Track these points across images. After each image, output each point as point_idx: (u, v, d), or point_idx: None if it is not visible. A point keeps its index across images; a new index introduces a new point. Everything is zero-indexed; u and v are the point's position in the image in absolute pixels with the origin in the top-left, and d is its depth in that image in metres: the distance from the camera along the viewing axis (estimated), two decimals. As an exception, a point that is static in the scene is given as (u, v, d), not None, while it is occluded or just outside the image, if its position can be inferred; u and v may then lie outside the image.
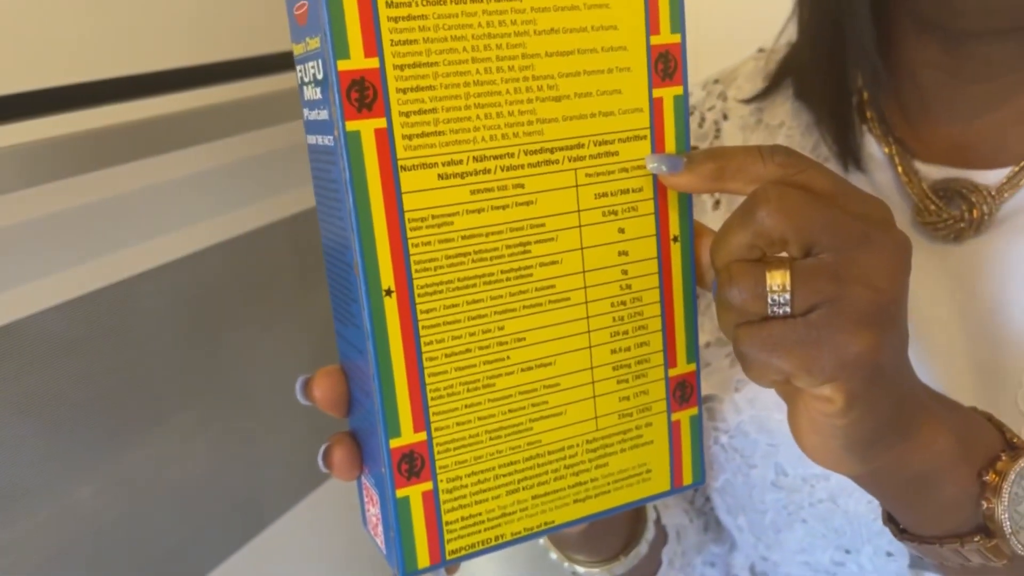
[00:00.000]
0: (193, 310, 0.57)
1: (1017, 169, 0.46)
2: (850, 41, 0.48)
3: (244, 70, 0.56)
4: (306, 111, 0.31)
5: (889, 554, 0.46)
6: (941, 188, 0.47)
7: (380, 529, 0.32)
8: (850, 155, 0.49)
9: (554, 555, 0.48)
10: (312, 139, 0.31)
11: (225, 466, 0.61)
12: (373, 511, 0.33)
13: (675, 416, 0.35)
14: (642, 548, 0.48)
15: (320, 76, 0.28)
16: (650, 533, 0.49)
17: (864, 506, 0.46)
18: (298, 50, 0.30)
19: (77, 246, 0.49)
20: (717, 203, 0.53)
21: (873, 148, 0.49)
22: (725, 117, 0.55)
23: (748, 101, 0.54)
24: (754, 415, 0.49)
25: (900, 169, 0.49)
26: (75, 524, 0.51)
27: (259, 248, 0.61)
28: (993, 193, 0.46)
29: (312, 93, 0.30)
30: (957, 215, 0.46)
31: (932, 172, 0.48)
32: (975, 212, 0.46)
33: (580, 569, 0.47)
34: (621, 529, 0.48)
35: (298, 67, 0.31)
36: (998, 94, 0.47)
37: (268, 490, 0.64)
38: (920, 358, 0.46)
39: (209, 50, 0.55)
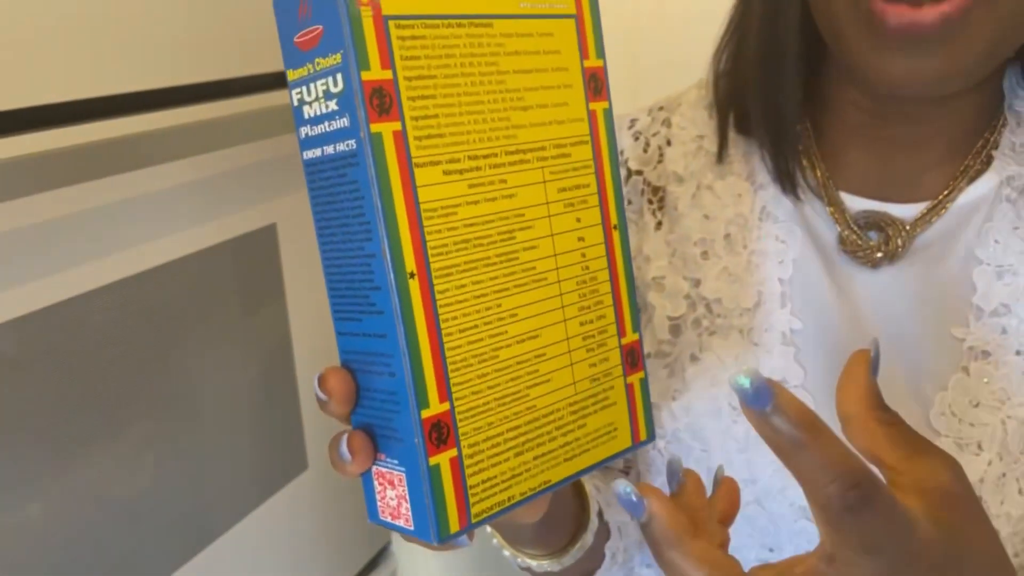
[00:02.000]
0: (142, 328, 0.55)
1: (930, 206, 0.52)
2: (783, 81, 0.51)
3: (196, 94, 0.57)
4: (306, 129, 0.34)
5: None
6: (863, 219, 0.52)
7: (404, 507, 0.35)
8: (788, 183, 0.53)
9: (507, 552, 0.51)
10: (313, 153, 0.34)
11: (174, 481, 0.58)
12: (392, 494, 0.35)
13: (629, 379, 0.41)
14: (588, 539, 0.51)
15: (338, 88, 0.32)
16: (594, 524, 0.51)
17: (786, 508, 0.51)
18: (299, 73, 0.34)
19: (25, 264, 0.47)
20: (659, 224, 0.58)
21: (804, 178, 0.54)
22: (669, 143, 0.59)
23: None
24: (689, 423, 0.53)
25: (827, 199, 0.53)
26: (23, 541, 0.47)
27: (207, 268, 0.60)
28: (908, 227, 0.51)
29: (320, 108, 0.33)
30: (875, 245, 0.51)
31: (855, 203, 0.53)
32: (891, 243, 0.51)
33: (532, 562, 0.50)
34: (568, 521, 0.51)
35: (296, 89, 0.34)
36: (914, 141, 0.52)
37: (213, 506, 0.62)
38: (834, 379, 0.49)
39: (161, 74, 0.54)
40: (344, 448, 0.34)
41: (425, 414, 0.33)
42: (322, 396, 0.35)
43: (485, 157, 0.35)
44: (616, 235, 0.40)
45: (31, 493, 0.48)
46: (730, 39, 0.56)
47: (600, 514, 0.54)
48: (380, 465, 0.35)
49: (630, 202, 0.60)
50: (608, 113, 0.40)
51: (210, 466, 0.61)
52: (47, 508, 0.49)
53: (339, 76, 0.32)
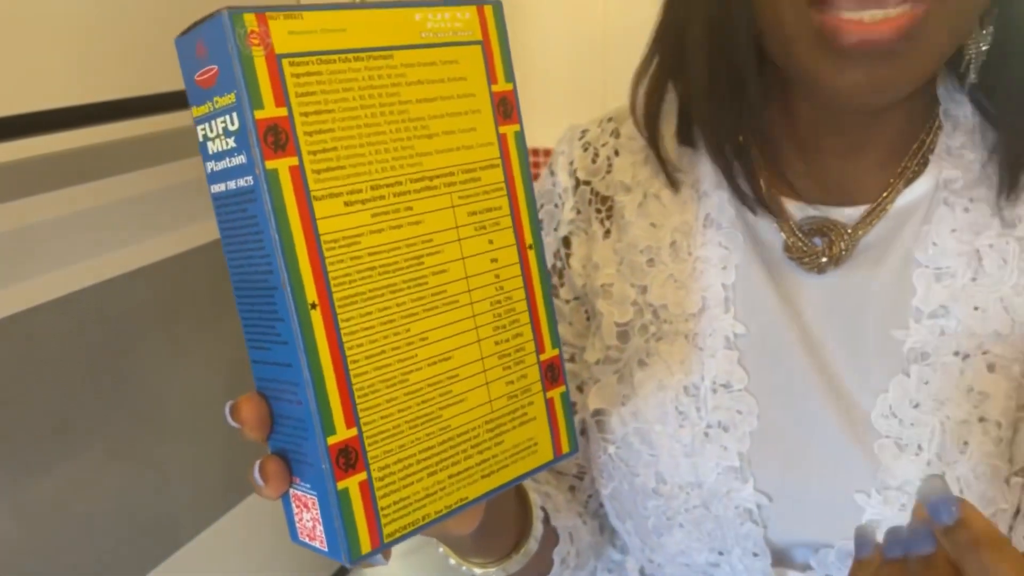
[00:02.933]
0: (101, 339, 0.57)
1: (870, 209, 0.53)
2: (742, 103, 0.51)
3: (154, 105, 0.57)
4: (211, 164, 0.35)
5: (755, 555, 0.52)
6: (807, 225, 0.53)
7: (318, 530, 0.36)
8: (741, 191, 0.54)
9: (452, 560, 0.52)
10: (219, 187, 0.35)
11: (140, 488, 0.60)
12: (307, 516, 0.36)
13: (549, 394, 0.42)
14: (532, 546, 0.52)
15: (234, 127, 0.33)
16: (538, 531, 0.52)
17: (732, 511, 0.52)
18: (202, 111, 0.35)
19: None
20: (607, 232, 0.59)
21: (747, 188, 0.54)
22: (617, 153, 0.60)
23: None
24: (637, 427, 0.54)
25: (772, 209, 0.54)
26: None
27: (168, 277, 0.61)
28: (850, 231, 0.52)
29: (221, 145, 0.34)
30: (820, 250, 0.52)
31: (799, 209, 0.54)
32: (834, 248, 0.52)
33: (477, 571, 0.52)
34: (510, 529, 0.52)
35: (200, 126, 0.35)
36: (850, 148, 0.53)
37: (180, 513, 0.64)
38: (782, 380, 0.52)
39: (119, 85, 0.56)
40: (256, 474, 0.35)
41: (331, 440, 0.34)
42: (233, 424, 0.36)
43: (389, 186, 0.36)
44: (531, 255, 0.41)
45: None
46: (656, 57, 0.56)
47: (546, 520, 0.55)
48: (296, 488, 0.36)
49: (579, 212, 0.61)
50: (519, 136, 0.41)
51: (176, 473, 0.62)
52: (11, 516, 0.50)
53: (235, 115, 0.33)
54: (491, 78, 0.40)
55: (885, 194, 0.53)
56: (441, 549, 0.52)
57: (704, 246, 0.55)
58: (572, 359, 0.61)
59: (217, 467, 0.66)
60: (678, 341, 0.55)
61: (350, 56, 0.35)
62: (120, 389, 0.58)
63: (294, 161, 0.33)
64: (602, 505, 0.61)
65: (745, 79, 0.51)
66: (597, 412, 0.56)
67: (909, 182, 0.53)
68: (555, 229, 0.62)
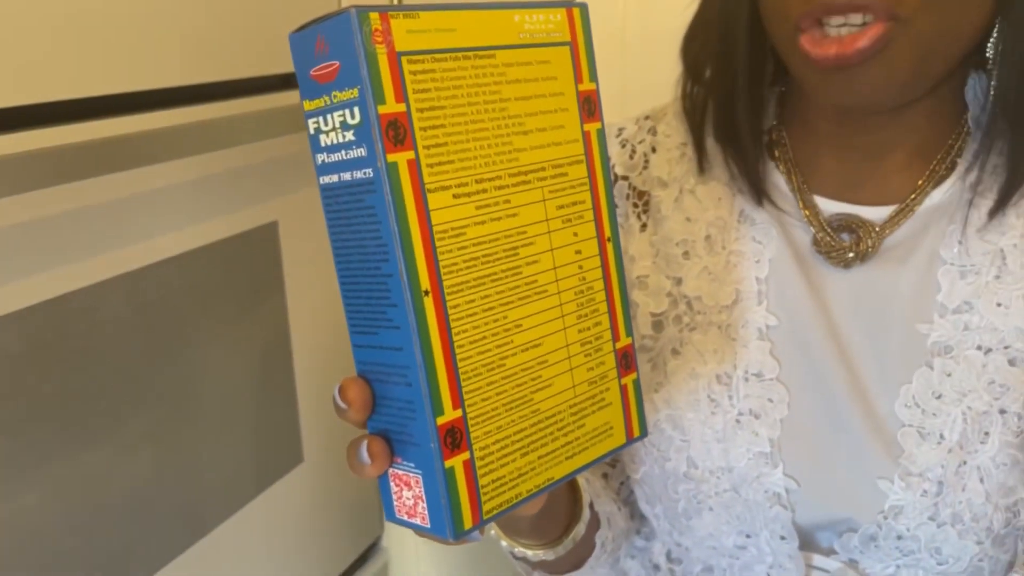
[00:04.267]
0: (143, 322, 0.57)
1: (898, 209, 0.55)
2: (736, 96, 0.55)
3: (202, 94, 0.58)
4: (322, 156, 0.37)
5: (783, 538, 0.55)
6: (835, 221, 0.55)
7: (420, 507, 0.38)
8: (759, 190, 0.57)
9: (504, 543, 0.54)
10: (330, 178, 0.37)
11: (171, 473, 0.60)
12: (408, 494, 0.38)
13: (623, 380, 0.44)
14: (580, 529, 0.54)
15: (355, 120, 0.35)
16: (586, 514, 0.54)
17: (761, 495, 0.54)
18: (315, 104, 0.36)
19: (28, 258, 0.49)
20: (644, 226, 0.61)
21: (780, 181, 0.57)
22: (654, 150, 0.62)
23: None
24: (669, 414, 0.56)
25: (801, 203, 0.56)
26: (19, 532, 0.49)
27: (209, 264, 0.62)
28: (877, 229, 0.54)
29: (336, 138, 0.36)
30: (847, 246, 0.54)
31: (828, 206, 0.56)
32: (862, 244, 0.54)
33: (528, 552, 0.54)
34: (563, 513, 0.54)
35: (313, 119, 0.37)
36: (878, 148, 0.55)
37: (209, 499, 0.64)
38: (810, 370, 0.54)
39: (168, 73, 0.56)
40: (364, 453, 0.37)
41: (440, 421, 0.36)
42: (342, 405, 0.37)
43: (490, 180, 0.38)
44: (610, 247, 0.43)
45: (29, 483, 0.50)
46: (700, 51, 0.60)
47: (591, 505, 0.57)
48: (397, 468, 0.38)
49: (616, 206, 0.63)
50: (601, 133, 0.43)
51: (207, 459, 0.63)
52: (45, 498, 0.51)
53: (356, 109, 0.34)
54: (578, 77, 0.41)
55: (913, 196, 0.55)
56: (493, 531, 0.54)
57: (738, 240, 0.57)
58: None
59: (245, 455, 0.67)
60: (711, 331, 0.57)
61: (459, 55, 0.37)
62: (158, 373, 0.59)
63: (411, 155, 0.35)
64: (631, 492, 0.63)
65: (741, 78, 0.55)
66: None
67: (937, 184, 0.56)
68: None
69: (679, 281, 0.59)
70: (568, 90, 0.41)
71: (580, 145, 0.42)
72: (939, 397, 0.52)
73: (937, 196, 0.55)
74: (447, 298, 0.36)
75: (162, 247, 0.57)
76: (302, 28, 0.36)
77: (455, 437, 0.37)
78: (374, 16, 0.34)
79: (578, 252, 0.42)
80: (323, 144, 0.36)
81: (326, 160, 0.37)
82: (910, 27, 0.47)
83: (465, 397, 0.37)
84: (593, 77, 0.42)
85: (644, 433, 0.45)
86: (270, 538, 0.72)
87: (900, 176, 0.56)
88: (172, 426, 0.59)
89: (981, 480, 0.51)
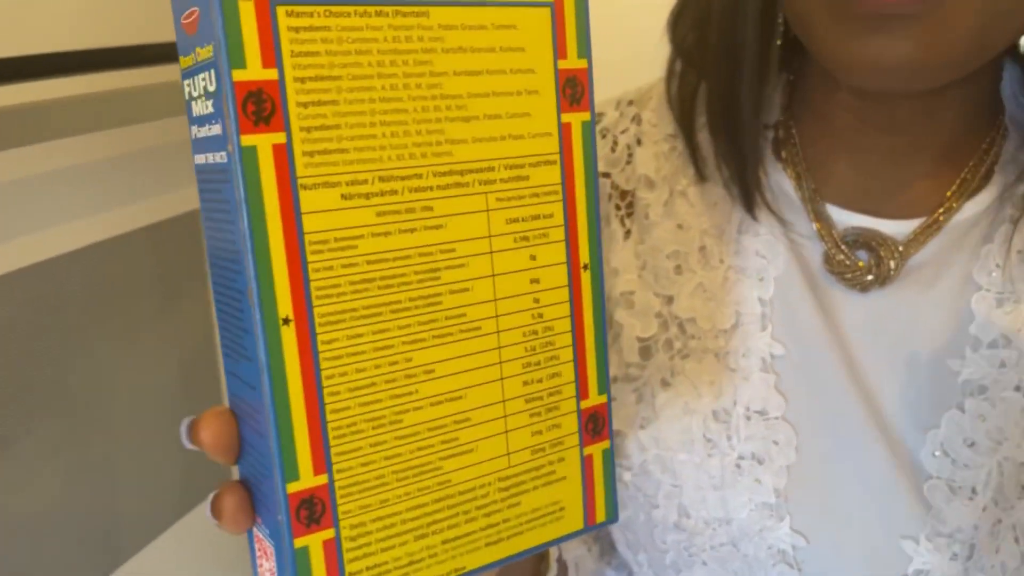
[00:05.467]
0: (44, 322, 0.51)
1: (925, 224, 0.47)
2: (740, 80, 0.47)
3: (111, 59, 0.51)
4: (194, 128, 0.29)
5: None
6: (851, 236, 0.47)
7: None
8: (753, 198, 0.48)
9: None
10: (200, 158, 0.29)
11: (82, 491, 0.54)
12: (267, 566, 0.30)
13: (587, 450, 0.34)
14: None
15: (212, 87, 0.26)
16: (552, 572, 0.47)
17: (763, 552, 0.46)
18: (186, 63, 0.28)
19: None
20: (628, 233, 0.52)
21: (787, 186, 0.49)
22: (639, 142, 0.54)
23: None
24: (658, 454, 0.48)
25: (812, 213, 0.48)
26: None
27: (122, 256, 0.56)
28: (901, 248, 0.46)
29: (202, 108, 0.28)
30: (865, 267, 0.46)
31: (843, 217, 0.48)
32: (883, 266, 0.46)
33: None
34: (524, 571, 0.46)
35: (185, 82, 0.28)
36: (905, 148, 0.47)
37: (128, 520, 0.59)
38: (822, 409, 0.47)
39: (78, 36, 0.50)
40: (208, 510, 0.29)
41: (293, 488, 0.28)
42: (188, 446, 0.30)
43: (404, 179, 0.29)
44: (586, 277, 0.33)
45: None
46: (691, 24, 0.50)
47: (559, 558, 0.49)
48: (258, 530, 0.30)
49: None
50: (589, 126, 0.32)
51: (124, 474, 0.57)
52: None
53: (212, 73, 0.26)
54: (559, 51, 0.31)
55: (942, 208, 0.46)
56: None
57: (738, 254, 0.49)
58: None
59: (170, 467, 0.61)
60: (707, 359, 0.48)
61: (371, 9, 0.27)
62: (66, 377, 0.53)
63: (280, 138, 0.26)
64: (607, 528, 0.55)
65: (749, 56, 0.46)
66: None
67: (970, 195, 0.46)
68: None
69: (670, 300, 0.50)
70: (542, 67, 0.31)
71: (554, 140, 0.32)
72: (971, 445, 0.44)
73: (970, 209, 0.46)
74: (317, 330, 0.28)
75: (67, 237, 0.51)
76: None
77: (313, 510, 0.28)
78: None
79: (535, 281, 0.32)
80: (194, 114, 0.28)
81: (197, 135, 0.29)
82: None
83: (334, 460, 0.28)
84: (584, 52, 0.32)
85: (613, 517, 0.35)
86: (198, 566, 0.65)
87: (926, 184, 0.47)
88: (82, 437, 0.54)
89: (1016, 540, 0.43)
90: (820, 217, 0.48)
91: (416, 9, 0.28)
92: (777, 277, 0.48)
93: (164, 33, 0.54)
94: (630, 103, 0.55)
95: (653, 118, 0.53)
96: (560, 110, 0.32)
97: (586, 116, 0.32)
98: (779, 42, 0.47)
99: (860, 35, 0.39)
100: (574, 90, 0.32)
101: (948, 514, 0.44)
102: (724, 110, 0.48)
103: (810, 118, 0.50)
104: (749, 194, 0.48)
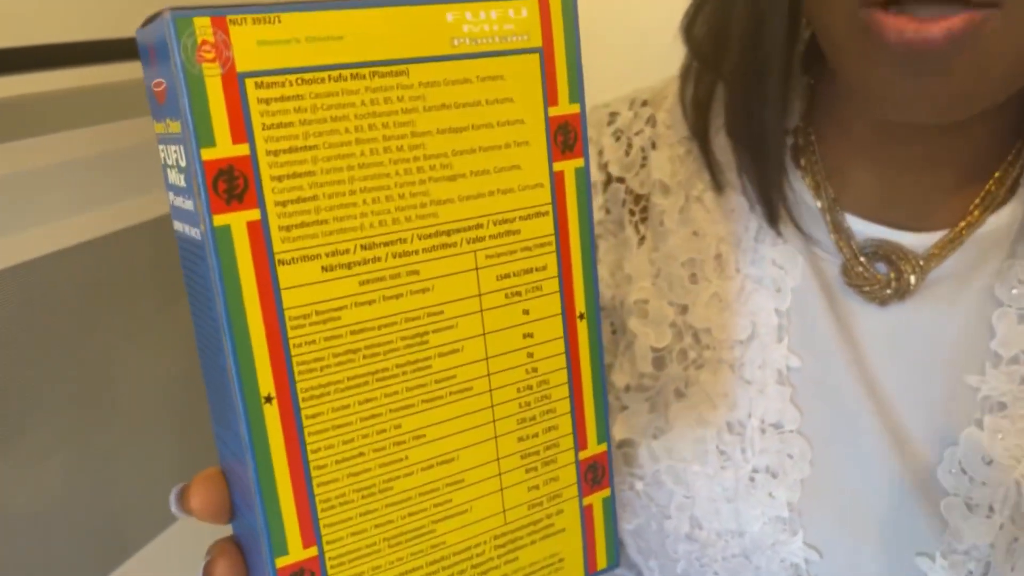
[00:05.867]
0: (49, 316, 0.51)
1: (948, 236, 0.45)
2: (772, 84, 0.45)
3: (114, 51, 0.50)
4: (171, 195, 0.28)
5: None
6: (870, 247, 0.46)
7: None
8: (776, 209, 0.47)
9: None
10: (178, 226, 0.28)
11: (84, 488, 0.54)
12: None
13: (587, 500, 0.33)
14: None
15: (184, 163, 0.25)
16: None
17: (776, 565, 0.46)
18: (159, 128, 0.27)
19: None
20: (643, 239, 0.51)
21: (806, 195, 0.47)
22: (654, 145, 0.52)
23: None
24: (671, 465, 0.48)
25: (831, 225, 0.47)
26: None
27: (125, 250, 0.55)
28: (922, 262, 0.45)
29: (176, 178, 0.27)
30: (884, 280, 0.45)
31: (862, 228, 0.46)
32: (903, 280, 0.45)
33: None
34: None
35: (160, 147, 0.28)
36: (928, 159, 0.45)
37: (132, 516, 0.59)
38: (838, 423, 0.46)
39: (72, 27, 0.49)
40: (203, 570, 0.29)
41: (282, 562, 0.27)
42: (178, 513, 0.30)
43: (388, 244, 0.28)
44: (582, 327, 0.32)
45: None
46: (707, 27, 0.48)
47: None
48: None
49: (608, 212, 0.52)
50: (583, 172, 0.31)
51: (127, 470, 0.57)
52: None
53: (182, 149, 0.25)
54: (549, 98, 0.30)
55: (964, 221, 0.45)
56: None
57: (755, 263, 0.48)
58: None
59: (172, 463, 0.60)
60: (721, 371, 0.47)
61: (346, 73, 0.26)
62: (67, 373, 0.52)
63: (255, 215, 0.25)
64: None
65: (775, 64, 0.44)
66: (623, 443, 0.49)
67: (995, 208, 0.45)
68: None
69: (684, 309, 0.49)
70: (532, 116, 0.30)
71: (545, 191, 0.30)
72: (989, 463, 0.43)
73: (993, 222, 0.45)
74: (301, 406, 0.27)
75: (70, 231, 0.50)
76: (146, 23, 0.26)
77: None
78: (201, 23, 0.24)
79: (528, 336, 0.31)
80: (170, 181, 0.28)
81: (174, 202, 0.28)
82: (1012, 16, 0.35)
83: (324, 532, 0.28)
84: (576, 97, 0.30)
85: (614, 563, 0.35)
86: (202, 561, 0.65)
87: (949, 196, 0.46)
88: (84, 434, 0.53)
89: None
90: (839, 228, 0.46)
91: (395, 69, 0.27)
92: (794, 288, 0.47)
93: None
94: (644, 103, 0.53)
95: (668, 119, 0.52)
96: (552, 159, 0.30)
97: (580, 163, 0.31)
98: (804, 39, 0.46)
99: (887, 71, 0.37)
100: (566, 137, 0.30)
101: (964, 531, 0.43)
102: (746, 116, 0.46)
103: (830, 124, 0.48)
104: (772, 206, 0.47)
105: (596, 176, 0.53)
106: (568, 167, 0.31)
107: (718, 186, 0.49)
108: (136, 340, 0.58)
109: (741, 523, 0.46)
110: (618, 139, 0.53)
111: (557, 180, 0.30)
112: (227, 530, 0.31)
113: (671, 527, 0.47)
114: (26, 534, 0.51)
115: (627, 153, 0.52)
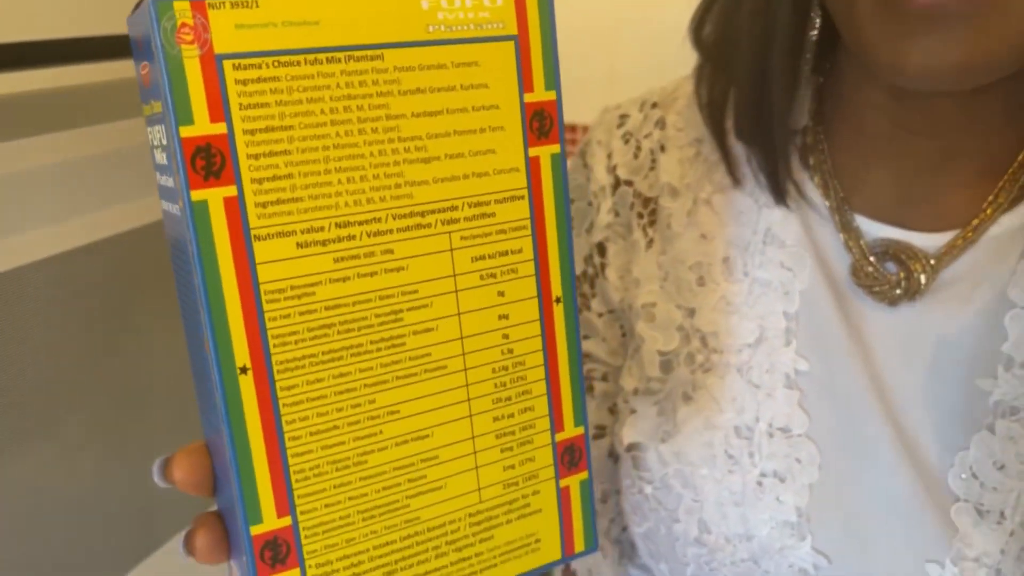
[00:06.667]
0: (86, 305, 0.52)
1: (959, 236, 0.45)
2: (771, 77, 0.45)
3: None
4: (157, 174, 0.29)
5: None
6: (879, 247, 0.45)
7: None
8: (784, 195, 0.47)
9: None
10: (164, 205, 0.29)
11: (120, 476, 0.56)
12: None
13: (563, 482, 0.34)
14: None
15: (165, 141, 0.27)
16: None
17: (785, 569, 0.45)
18: (146, 111, 0.28)
19: None
20: (651, 242, 0.51)
21: (814, 196, 0.47)
22: (663, 148, 0.52)
23: None
24: (679, 469, 0.47)
25: (840, 225, 0.47)
26: None
27: (157, 242, 0.57)
28: (932, 262, 0.44)
29: (161, 157, 0.28)
30: (893, 280, 0.45)
31: (872, 228, 0.46)
32: (912, 280, 0.45)
33: None
34: None
35: (148, 129, 0.29)
36: (941, 154, 0.45)
37: (163, 505, 0.60)
38: (847, 427, 0.45)
39: (103, 21, 0.50)
40: (181, 545, 0.30)
41: (256, 530, 0.28)
42: (161, 484, 0.31)
43: (362, 223, 0.29)
44: (559, 310, 0.33)
45: None
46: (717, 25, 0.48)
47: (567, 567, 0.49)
48: (235, 561, 0.31)
49: (617, 215, 0.52)
50: (559, 158, 0.32)
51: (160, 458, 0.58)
52: None
53: (163, 128, 0.26)
54: (525, 85, 0.31)
55: (977, 220, 0.44)
56: None
57: (763, 266, 0.47)
58: (605, 378, 0.54)
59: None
60: (729, 375, 0.47)
61: (322, 57, 0.27)
62: (104, 362, 0.53)
63: (231, 191, 0.27)
64: (625, 530, 0.55)
65: (778, 51, 0.44)
66: (632, 447, 0.49)
67: (1008, 207, 0.44)
68: (587, 231, 0.54)
69: (692, 312, 0.49)
70: (507, 102, 0.30)
71: (521, 175, 0.31)
72: (1001, 468, 0.43)
73: (1007, 222, 0.44)
74: (276, 377, 0.28)
75: (111, 221, 0.51)
76: (135, 8, 0.28)
77: (277, 551, 0.29)
78: (180, 6, 0.25)
79: (503, 317, 0.32)
80: (157, 162, 0.29)
81: (160, 182, 0.29)
82: None
83: (298, 503, 0.29)
84: (552, 84, 0.31)
85: (591, 547, 0.35)
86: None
87: (962, 195, 0.45)
88: (119, 423, 0.55)
89: None
90: (847, 227, 0.46)
91: (370, 53, 0.28)
92: (803, 291, 0.47)
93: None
94: (654, 105, 0.54)
95: (679, 122, 0.52)
96: (528, 144, 0.31)
97: (555, 148, 0.32)
98: (814, 36, 0.46)
99: (909, 35, 0.37)
100: (542, 123, 0.31)
101: (975, 538, 0.43)
102: (755, 117, 0.47)
103: (840, 123, 0.48)
104: (782, 193, 0.47)
105: (605, 179, 0.54)
106: (544, 152, 0.31)
107: (736, 182, 0.49)
108: (172, 332, 0.59)
109: (749, 527, 0.46)
110: (627, 142, 0.53)
111: (533, 165, 0.31)
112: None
113: (680, 531, 0.48)
114: (61, 524, 0.53)
115: (636, 156, 0.53)
